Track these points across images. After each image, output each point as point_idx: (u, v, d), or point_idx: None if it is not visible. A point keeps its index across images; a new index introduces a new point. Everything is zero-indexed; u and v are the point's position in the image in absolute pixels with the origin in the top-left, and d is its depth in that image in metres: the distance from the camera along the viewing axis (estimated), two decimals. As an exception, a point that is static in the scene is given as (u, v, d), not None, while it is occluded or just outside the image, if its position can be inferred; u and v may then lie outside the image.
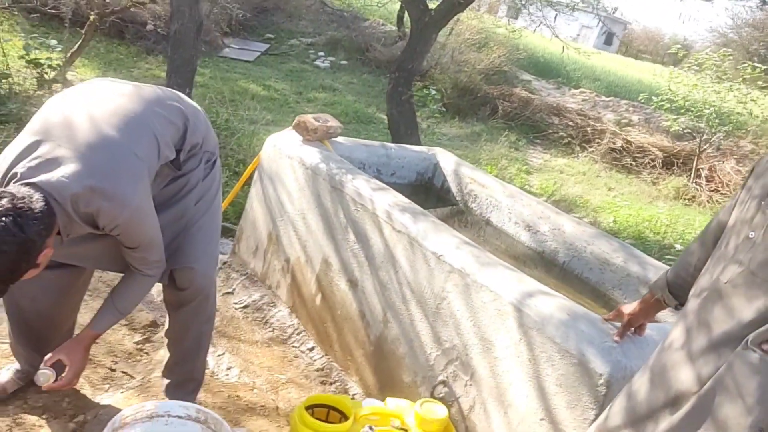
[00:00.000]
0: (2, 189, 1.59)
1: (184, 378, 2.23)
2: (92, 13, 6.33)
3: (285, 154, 3.05)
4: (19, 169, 1.63)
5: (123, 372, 2.43)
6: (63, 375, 1.87)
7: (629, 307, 1.86)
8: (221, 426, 1.79)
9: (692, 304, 1.43)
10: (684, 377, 1.35)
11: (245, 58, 10.47)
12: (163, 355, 2.30)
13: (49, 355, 1.88)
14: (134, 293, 1.97)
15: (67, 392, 2.22)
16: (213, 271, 2.15)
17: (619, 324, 1.90)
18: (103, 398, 2.27)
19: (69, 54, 5.85)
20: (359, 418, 1.85)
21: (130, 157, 1.73)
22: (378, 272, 2.57)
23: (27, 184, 1.60)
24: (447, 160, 3.56)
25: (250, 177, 3.38)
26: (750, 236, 1.35)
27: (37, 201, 1.57)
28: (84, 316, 2.30)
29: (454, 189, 3.45)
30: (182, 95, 2.06)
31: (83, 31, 6.03)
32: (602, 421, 1.55)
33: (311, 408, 1.88)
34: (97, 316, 1.94)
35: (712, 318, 1.35)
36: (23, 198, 1.55)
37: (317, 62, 11.33)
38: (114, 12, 7.18)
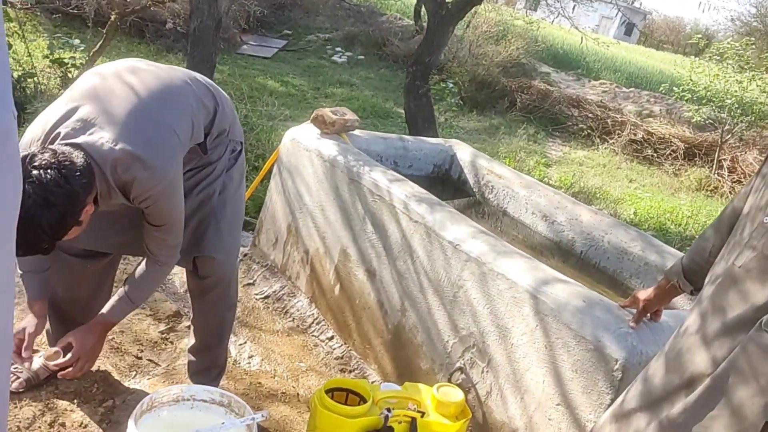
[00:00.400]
0: (44, 146, 1.61)
1: (208, 364, 2.29)
2: (113, 12, 6.43)
3: (303, 147, 3.10)
4: (62, 129, 1.65)
5: (149, 360, 2.49)
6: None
7: (645, 293, 1.87)
8: (244, 409, 1.84)
9: (707, 290, 1.43)
10: (698, 360, 1.36)
11: (263, 55, 10.54)
12: (188, 343, 2.36)
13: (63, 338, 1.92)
14: (147, 284, 1.99)
15: (96, 378, 2.29)
16: (235, 260, 2.20)
17: (634, 310, 1.92)
18: (130, 384, 2.33)
19: (91, 53, 5.95)
20: (377, 401, 1.90)
21: (170, 132, 1.76)
22: (396, 262, 2.61)
23: (69, 144, 1.62)
24: (464, 152, 3.58)
25: (269, 171, 3.43)
26: (764, 222, 1.35)
27: (78, 157, 1.59)
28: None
29: (470, 180, 3.48)
30: (212, 82, 2.10)
31: (104, 31, 6.13)
32: (618, 405, 1.57)
33: (331, 392, 1.93)
34: (110, 305, 1.96)
35: (726, 302, 1.36)
36: (64, 153, 1.58)
37: (334, 57, 11.36)
38: (134, 11, 7.27)
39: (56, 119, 1.68)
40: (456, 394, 1.96)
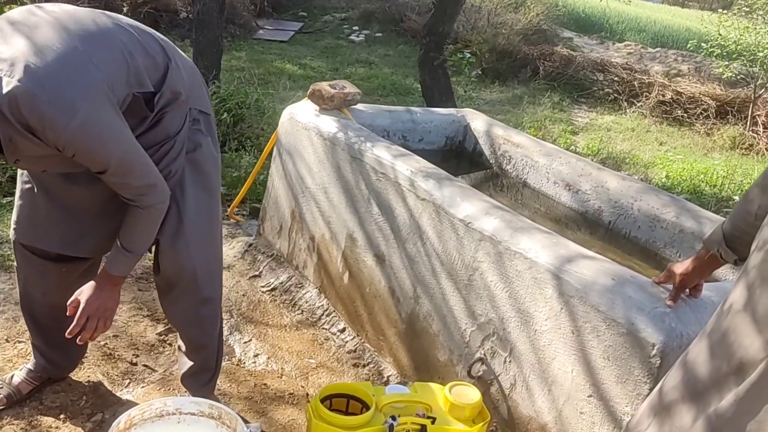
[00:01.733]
0: None
1: (197, 368, 2.07)
2: (124, 3, 6.28)
3: (302, 126, 2.89)
4: None
5: (144, 365, 2.32)
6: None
7: (681, 266, 1.65)
8: (236, 422, 1.65)
9: (754, 258, 1.22)
10: (748, 342, 1.16)
11: (280, 39, 10.36)
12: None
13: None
14: (137, 229, 1.74)
15: (84, 390, 2.13)
16: (203, 252, 1.91)
17: (671, 286, 1.70)
18: (123, 394, 2.16)
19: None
20: (382, 407, 1.68)
21: (82, 62, 1.50)
22: (405, 245, 2.39)
23: None
24: (477, 122, 3.34)
25: (271, 153, 3.22)
26: None
27: None
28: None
29: (486, 152, 3.23)
30: (167, 39, 1.84)
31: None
32: (656, 395, 1.37)
33: (329, 399, 1.72)
34: (109, 259, 1.76)
35: (778, 273, 1.15)
36: None
37: (352, 37, 11.15)
38: (146, 2, 7.12)
39: None
40: (472, 395, 1.74)
